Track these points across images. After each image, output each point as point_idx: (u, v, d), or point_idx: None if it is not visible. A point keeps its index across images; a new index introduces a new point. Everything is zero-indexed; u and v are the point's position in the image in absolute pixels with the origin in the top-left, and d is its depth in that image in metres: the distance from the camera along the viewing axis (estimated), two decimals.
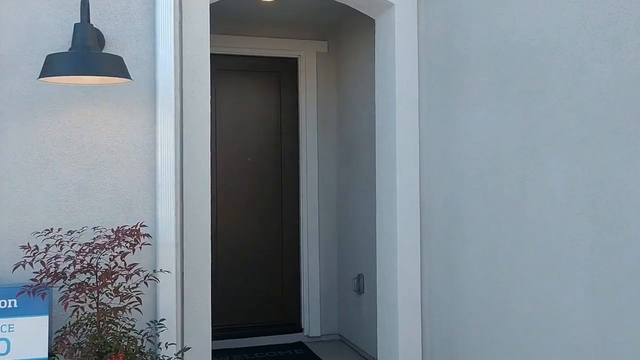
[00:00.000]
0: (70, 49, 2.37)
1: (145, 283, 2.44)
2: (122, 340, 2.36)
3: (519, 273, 2.74)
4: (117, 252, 2.40)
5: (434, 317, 3.43)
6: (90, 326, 2.38)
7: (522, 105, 2.72)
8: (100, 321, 2.35)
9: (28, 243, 2.43)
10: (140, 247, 2.45)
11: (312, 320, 5.60)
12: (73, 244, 2.47)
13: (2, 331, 2.38)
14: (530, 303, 2.68)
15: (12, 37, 2.62)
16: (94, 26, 2.64)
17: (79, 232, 2.58)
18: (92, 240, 2.46)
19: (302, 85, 5.64)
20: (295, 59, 5.70)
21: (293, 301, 5.69)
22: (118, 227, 2.50)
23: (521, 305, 2.73)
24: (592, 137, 2.36)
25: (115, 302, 2.42)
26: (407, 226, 3.53)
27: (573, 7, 2.44)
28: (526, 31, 2.70)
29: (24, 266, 2.30)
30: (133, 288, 2.40)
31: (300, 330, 5.65)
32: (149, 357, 2.41)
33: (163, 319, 2.63)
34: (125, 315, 2.43)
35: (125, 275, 2.33)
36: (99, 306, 2.36)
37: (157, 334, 2.61)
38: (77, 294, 2.27)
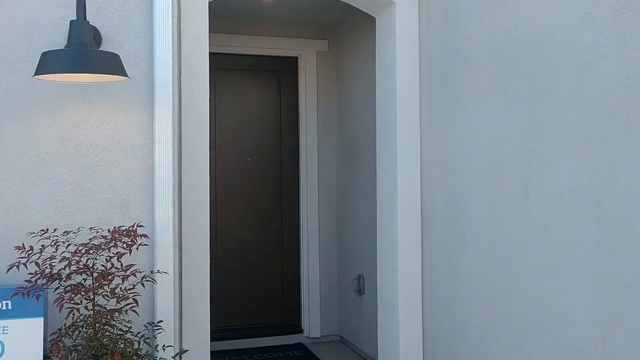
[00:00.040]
0: (66, 46, 2.33)
1: (142, 284, 2.40)
2: (119, 343, 2.32)
3: (521, 273, 2.71)
4: (113, 253, 2.36)
5: (435, 317, 3.39)
6: (86, 328, 2.34)
7: (525, 103, 2.69)
8: (96, 323, 2.31)
9: (23, 244, 2.40)
10: (137, 248, 2.41)
11: (312, 321, 5.56)
12: (69, 245, 2.43)
13: None
14: (532, 303, 2.65)
15: (7, 34, 2.58)
16: (91, 24, 2.61)
17: (75, 233, 2.54)
18: (89, 241, 2.42)
19: (302, 84, 5.61)
20: (296, 58, 5.67)
21: (293, 302, 5.66)
22: (114, 227, 2.46)
23: (523, 306, 2.70)
24: (597, 136, 2.32)
25: (112, 303, 2.38)
26: (408, 226, 3.50)
27: (576, 4, 2.41)
28: (529, 28, 2.66)
29: (17, 267, 2.27)
30: (130, 289, 2.36)
31: (300, 331, 5.62)
32: None
33: (160, 321, 2.59)
34: (121, 317, 2.38)
35: (121, 277, 2.29)
36: (95, 308, 2.32)
37: (154, 336, 2.57)
38: (73, 296, 2.23)
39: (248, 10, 5.08)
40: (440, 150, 3.32)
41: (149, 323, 2.59)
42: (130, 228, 2.39)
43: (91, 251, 2.30)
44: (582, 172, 2.38)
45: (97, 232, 2.56)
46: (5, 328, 2.35)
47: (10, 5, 2.58)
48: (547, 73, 2.57)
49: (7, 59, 2.57)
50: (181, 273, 2.99)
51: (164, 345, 2.56)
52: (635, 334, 2.15)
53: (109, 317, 2.30)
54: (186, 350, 2.70)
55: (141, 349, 2.41)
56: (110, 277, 2.29)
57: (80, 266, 2.31)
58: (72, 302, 2.25)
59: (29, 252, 2.31)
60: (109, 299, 2.36)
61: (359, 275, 5.09)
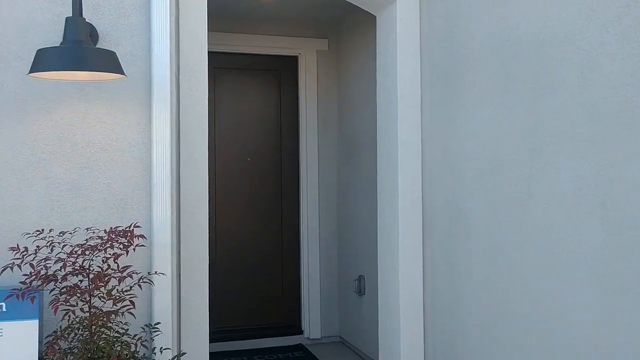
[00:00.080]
0: (61, 44, 2.29)
1: (139, 286, 2.36)
2: (115, 345, 2.28)
3: (524, 274, 2.68)
4: (110, 254, 2.32)
5: (437, 318, 3.36)
6: (82, 330, 2.30)
7: (528, 102, 2.65)
8: (92, 325, 2.27)
9: (17, 244, 2.35)
10: (134, 249, 2.37)
11: (313, 322, 5.53)
12: (64, 246, 2.39)
13: None
14: (534, 305, 2.61)
15: (2, 31, 2.54)
16: (88, 21, 2.57)
17: (70, 233, 2.51)
18: (85, 242, 2.39)
19: (303, 83, 5.59)
20: (296, 57, 5.65)
21: (293, 302, 5.63)
22: (111, 227, 2.42)
23: (525, 307, 2.67)
24: (601, 135, 2.28)
25: (108, 305, 2.34)
26: (409, 226, 3.47)
27: (580, 0, 2.37)
28: (531, 26, 2.63)
29: (12, 269, 2.22)
30: (126, 291, 2.32)
31: (301, 332, 5.59)
32: None
33: (158, 323, 2.55)
34: (118, 319, 2.35)
35: (117, 278, 2.25)
36: (91, 310, 2.28)
37: (151, 338, 2.53)
38: (68, 297, 2.19)
39: (248, 9, 5.05)
40: (442, 150, 3.29)
41: (146, 325, 2.55)
42: (127, 228, 2.35)
43: (87, 252, 2.26)
44: (586, 172, 2.35)
45: (94, 232, 2.52)
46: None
47: (5, 2, 2.54)
48: (550, 71, 2.53)
49: (2, 57, 2.53)
50: (179, 274, 2.95)
51: (161, 348, 2.52)
52: (638, 334, 2.12)
53: (105, 319, 2.26)
54: (184, 353, 2.66)
55: (138, 352, 2.37)
56: (106, 279, 2.25)
57: (76, 267, 2.27)
58: (67, 304, 2.21)
59: (23, 253, 2.27)
60: (105, 300, 2.32)
61: (359, 276, 5.06)
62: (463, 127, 3.10)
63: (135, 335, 2.41)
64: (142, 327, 2.53)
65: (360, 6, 3.78)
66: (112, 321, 2.31)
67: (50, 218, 2.56)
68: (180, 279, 2.95)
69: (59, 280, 2.26)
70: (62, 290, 2.23)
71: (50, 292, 2.31)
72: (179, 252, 2.94)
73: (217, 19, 5.11)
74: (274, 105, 5.63)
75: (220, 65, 5.39)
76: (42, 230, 2.45)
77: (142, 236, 2.43)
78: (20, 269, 2.25)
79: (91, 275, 2.27)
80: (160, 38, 2.68)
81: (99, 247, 2.28)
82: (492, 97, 2.88)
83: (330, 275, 5.60)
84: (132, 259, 2.45)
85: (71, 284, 2.26)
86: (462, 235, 3.12)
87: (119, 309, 2.29)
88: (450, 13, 3.21)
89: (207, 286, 3.02)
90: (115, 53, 2.36)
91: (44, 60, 2.21)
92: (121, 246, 2.31)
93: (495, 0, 2.86)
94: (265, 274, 5.56)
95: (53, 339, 2.27)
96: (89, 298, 2.28)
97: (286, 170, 5.62)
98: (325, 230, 5.59)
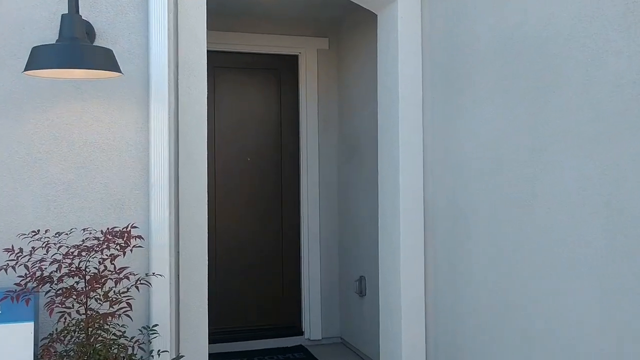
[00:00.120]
0: (57, 41, 2.25)
1: (137, 287, 2.32)
2: (112, 348, 2.24)
3: (527, 275, 2.65)
4: (106, 255, 2.28)
5: (439, 319, 3.33)
6: (78, 333, 2.26)
7: (532, 101, 2.61)
8: (88, 328, 2.23)
9: (12, 246, 2.31)
10: (131, 250, 2.33)
11: (313, 323, 5.49)
12: (60, 247, 2.35)
13: None
14: (537, 305, 2.58)
15: None
16: (85, 19, 2.54)
17: (67, 234, 2.47)
18: (81, 242, 2.35)
19: (303, 82, 5.55)
20: (296, 56, 5.61)
21: (293, 303, 5.59)
22: (107, 228, 2.38)
23: (530, 309, 2.64)
24: (606, 134, 2.25)
25: (105, 307, 2.30)
26: (411, 226, 3.43)
27: None
28: (535, 24, 2.59)
29: (6, 270, 2.18)
30: (123, 293, 2.28)
31: (301, 333, 5.55)
32: None
33: (156, 325, 2.51)
34: (115, 321, 2.31)
35: (114, 280, 2.21)
36: (88, 312, 2.24)
37: (149, 340, 2.49)
38: (64, 299, 2.15)
39: (248, 7, 5.02)
40: (444, 150, 3.26)
41: (143, 327, 2.51)
42: (124, 229, 2.31)
43: (83, 253, 2.22)
44: (591, 172, 2.31)
45: (90, 233, 2.48)
46: None
47: None
48: (554, 69, 2.49)
49: None
50: (178, 275, 2.91)
51: (159, 350, 2.48)
52: None
53: (101, 321, 2.22)
54: (182, 356, 2.63)
55: (135, 355, 2.33)
56: (103, 280, 2.21)
57: (72, 269, 2.23)
58: (63, 306, 2.17)
59: (18, 255, 2.23)
60: (102, 302, 2.28)
61: (360, 277, 5.02)
62: (465, 127, 3.06)
63: (132, 338, 2.37)
64: (139, 330, 2.49)
65: (361, 4, 3.74)
66: (108, 323, 2.27)
67: (46, 218, 2.52)
68: (179, 279, 2.91)
69: (55, 282, 2.22)
70: (58, 292, 2.20)
71: (46, 294, 2.27)
72: (177, 253, 2.91)
73: (217, 18, 5.07)
74: (274, 104, 5.59)
75: (220, 64, 5.36)
76: (38, 231, 2.41)
77: (140, 237, 2.39)
78: (15, 271, 2.21)
79: (87, 277, 2.23)
80: (158, 36, 2.65)
81: (95, 248, 2.24)
82: (495, 96, 2.84)
83: (330, 275, 5.56)
84: (129, 260, 2.41)
85: (67, 286, 2.22)
86: (465, 235, 3.08)
87: (116, 311, 2.25)
88: (452, 11, 3.18)
89: (207, 287, 2.99)
90: (112, 51, 2.32)
91: (39, 58, 2.17)
92: (118, 247, 2.28)
93: None
94: (265, 274, 5.53)
95: (49, 342, 2.24)
96: (85, 300, 2.24)
97: (286, 170, 5.59)
98: (325, 230, 5.56)
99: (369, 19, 4.65)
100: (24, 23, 2.53)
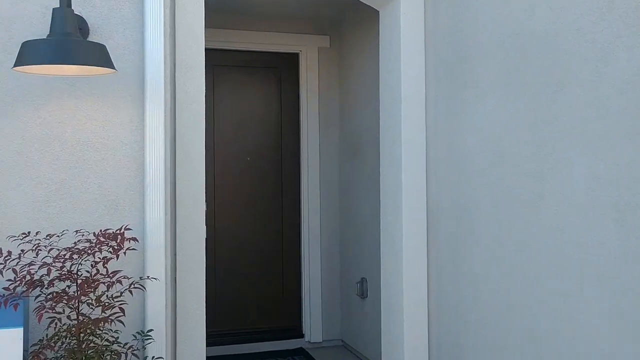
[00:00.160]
0: (48, 36, 2.17)
1: (130, 292, 2.24)
2: (105, 355, 2.16)
3: (534, 277, 2.58)
4: (99, 258, 2.20)
5: (442, 322, 3.26)
6: (69, 339, 2.18)
7: (538, 97, 2.54)
8: (80, 333, 2.15)
9: (0, 249, 2.23)
10: (125, 253, 2.25)
11: (314, 325, 5.42)
12: (51, 249, 2.27)
13: None
14: (546, 307, 2.52)
15: None
16: (78, 13, 2.47)
17: (58, 236, 2.39)
18: (73, 245, 2.27)
19: (304, 81, 5.49)
20: (297, 54, 5.54)
21: (294, 305, 5.52)
22: (100, 230, 2.30)
23: (536, 309, 2.58)
24: (616, 132, 2.17)
25: (97, 312, 2.22)
26: (413, 226, 3.37)
27: None
28: (543, 18, 2.51)
29: None
30: (116, 297, 2.20)
31: (301, 335, 5.48)
32: None
33: (151, 330, 2.43)
34: (108, 326, 2.23)
35: (107, 284, 2.13)
36: (79, 317, 2.16)
37: (143, 346, 2.41)
38: (54, 304, 2.07)
39: (248, 4, 4.95)
40: (447, 148, 3.18)
41: (138, 332, 2.43)
42: (117, 231, 2.23)
43: (75, 256, 2.14)
44: (601, 171, 2.23)
45: (83, 235, 2.41)
46: None
47: None
48: (563, 65, 2.41)
49: None
50: (175, 277, 2.84)
51: (154, 357, 2.40)
52: None
53: (93, 327, 2.14)
54: None
55: None
56: (95, 284, 2.13)
57: (63, 272, 2.15)
58: (53, 311, 2.09)
59: (6, 258, 2.15)
60: (94, 307, 2.20)
61: (361, 279, 4.95)
62: (471, 124, 2.99)
63: (125, 344, 2.29)
64: (133, 335, 2.42)
65: (362, 1, 3.66)
66: (101, 329, 2.19)
67: (37, 220, 2.45)
68: (176, 282, 2.83)
69: (46, 286, 2.14)
70: (48, 297, 2.11)
71: (36, 298, 2.19)
72: (174, 255, 2.83)
73: (216, 15, 5.01)
74: (274, 103, 5.53)
75: (220, 62, 5.29)
76: (29, 232, 2.34)
77: (134, 239, 2.31)
78: (2, 275, 2.13)
79: (79, 281, 2.15)
80: (154, 31, 2.57)
81: (87, 251, 2.16)
82: (501, 93, 2.77)
83: (331, 276, 5.49)
84: (123, 263, 2.34)
85: (58, 290, 2.14)
86: (470, 236, 3.02)
87: (108, 317, 2.17)
88: (457, 6, 3.10)
89: (204, 290, 2.92)
90: (105, 46, 2.24)
91: (29, 54, 2.09)
92: (111, 250, 2.20)
93: None
94: (265, 275, 5.46)
95: (39, 348, 2.16)
96: (77, 304, 2.16)
97: (287, 170, 5.52)
98: (326, 230, 5.49)
99: (371, 16, 4.58)
100: (15, 18, 2.45)
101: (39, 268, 2.14)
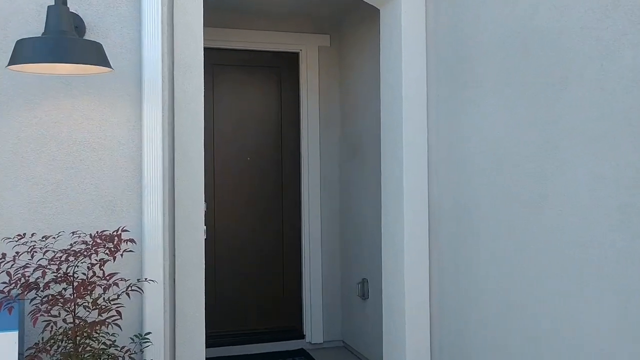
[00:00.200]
0: (42, 34, 2.13)
1: (127, 294, 2.20)
2: (102, 358, 2.12)
3: (535, 278, 2.56)
4: (96, 260, 2.16)
5: (444, 323, 3.23)
6: (65, 342, 2.14)
7: (541, 96, 2.50)
8: (76, 337, 2.11)
9: None
10: (122, 255, 2.21)
11: (315, 326, 5.38)
12: (46, 251, 2.23)
13: None
14: (546, 307, 2.48)
15: None
16: (74, 11, 2.43)
17: (54, 238, 2.35)
18: (69, 247, 2.23)
19: (304, 80, 5.45)
20: (297, 54, 5.51)
21: (294, 305, 5.49)
22: (97, 232, 2.26)
23: (537, 313, 2.54)
24: (622, 132, 2.14)
25: (94, 315, 2.19)
26: (415, 228, 3.34)
27: None
28: (546, 16, 2.47)
29: None
30: (113, 300, 2.16)
31: (302, 336, 5.45)
32: None
33: (148, 333, 2.39)
34: (105, 329, 2.19)
35: (103, 286, 2.09)
36: (75, 320, 2.12)
37: (141, 350, 2.37)
38: (49, 307, 2.03)
39: (247, 3, 4.92)
40: (449, 149, 3.15)
41: (135, 335, 2.39)
42: (114, 233, 2.19)
43: (70, 258, 2.10)
44: (605, 172, 2.20)
45: (79, 236, 2.37)
46: None
47: None
48: (566, 63, 2.38)
49: None
50: (174, 279, 2.80)
51: None
52: None
53: (89, 330, 2.10)
54: None
55: None
56: (91, 287, 2.09)
57: (59, 274, 2.11)
58: (49, 314, 2.05)
59: (0, 260, 2.11)
60: (90, 310, 2.16)
61: (362, 279, 4.92)
62: (472, 124, 2.96)
63: (123, 347, 2.26)
64: (131, 338, 2.38)
65: None
66: (97, 332, 2.15)
67: (33, 221, 2.41)
68: (175, 283, 2.80)
69: (41, 289, 2.11)
70: (44, 300, 2.08)
71: (31, 301, 2.16)
72: (173, 256, 2.79)
73: (216, 14, 4.97)
74: (274, 102, 5.49)
75: (219, 62, 5.26)
76: (24, 234, 2.30)
77: (132, 240, 2.27)
78: None
79: (75, 283, 2.11)
80: (152, 30, 2.54)
81: (83, 253, 2.12)
82: (504, 92, 2.74)
83: (332, 277, 5.46)
84: (121, 265, 2.30)
85: (54, 293, 2.10)
86: (473, 238, 2.98)
87: (105, 320, 2.13)
88: (458, 5, 3.07)
89: (203, 291, 2.89)
90: (101, 44, 2.20)
91: (23, 52, 2.06)
92: (108, 251, 2.16)
93: None
94: (265, 275, 5.43)
95: (34, 352, 2.12)
96: (73, 307, 2.12)
97: (287, 169, 5.49)
98: (327, 230, 5.45)
99: (372, 15, 4.55)
100: (11, 16, 2.42)
101: (33, 271, 2.10)
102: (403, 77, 3.33)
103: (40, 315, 2.02)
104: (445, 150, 3.18)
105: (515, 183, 2.65)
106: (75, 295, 2.08)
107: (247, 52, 5.40)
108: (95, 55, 2.14)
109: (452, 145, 3.12)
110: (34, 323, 1.99)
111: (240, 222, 5.38)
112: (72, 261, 2.11)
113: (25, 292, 2.09)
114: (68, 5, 2.21)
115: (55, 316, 2.11)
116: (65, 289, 2.15)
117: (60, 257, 2.13)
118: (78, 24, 2.44)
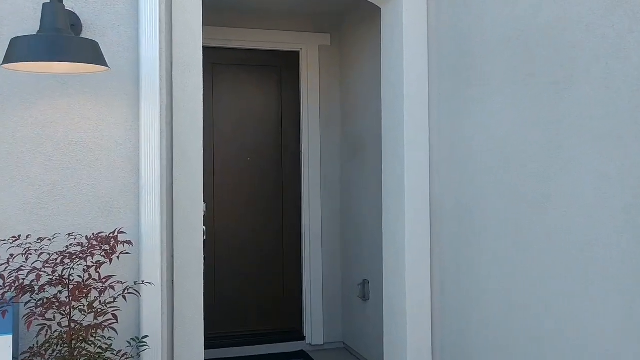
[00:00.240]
0: (37, 32, 2.09)
1: (124, 297, 2.17)
2: None
3: (538, 278, 2.53)
4: (92, 263, 2.12)
5: (446, 325, 3.20)
6: (61, 346, 2.11)
7: (546, 96, 2.47)
8: (72, 340, 2.07)
9: None
10: (118, 257, 2.17)
11: (315, 328, 5.35)
12: (41, 253, 2.19)
13: None
14: (549, 307, 2.46)
15: None
16: (71, 9, 2.39)
17: (50, 240, 2.31)
18: (65, 249, 2.19)
19: (304, 79, 5.42)
20: (297, 53, 5.48)
21: (294, 307, 5.45)
22: (93, 233, 2.22)
23: (540, 313, 2.52)
24: (627, 131, 2.10)
25: (90, 319, 2.15)
26: (416, 228, 3.31)
27: None
28: (551, 14, 2.44)
29: None
30: (110, 303, 2.12)
31: (302, 338, 5.41)
32: None
33: (146, 336, 2.36)
34: (101, 333, 2.15)
35: (99, 289, 2.05)
36: (71, 324, 2.08)
37: (138, 353, 2.34)
38: (44, 311, 1.99)
39: (247, 2, 4.89)
40: (451, 148, 3.12)
41: (132, 339, 2.35)
42: (110, 234, 2.16)
43: (66, 260, 2.06)
44: (611, 172, 2.16)
45: (75, 238, 2.33)
46: None
47: None
48: (571, 61, 2.34)
49: None
50: (173, 281, 2.76)
51: None
52: None
53: (85, 334, 2.06)
54: None
55: None
56: (87, 290, 2.06)
57: (54, 277, 2.07)
58: (43, 318, 2.01)
59: None
60: (86, 313, 2.12)
61: (363, 280, 4.88)
62: (475, 123, 2.93)
63: (119, 351, 2.22)
64: (128, 342, 2.34)
65: None
66: (93, 336, 2.11)
67: (29, 222, 2.37)
68: (173, 285, 2.76)
69: (36, 292, 2.07)
70: (39, 303, 2.04)
71: (26, 304, 2.12)
72: (172, 258, 2.76)
73: (215, 13, 4.94)
74: (274, 102, 5.46)
75: (219, 61, 5.22)
76: (19, 236, 2.26)
77: (129, 242, 2.23)
78: None
79: (71, 286, 2.07)
80: (149, 28, 2.50)
81: (79, 255, 2.09)
82: (507, 91, 2.70)
83: (333, 278, 5.42)
84: (117, 267, 2.27)
85: (49, 296, 2.06)
86: (475, 238, 2.96)
87: (101, 323, 2.09)
88: (460, 2, 3.04)
89: (202, 294, 2.85)
90: (97, 43, 2.17)
91: (18, 50, 2.02)
92: (104, 253, 2.12)
93: None
94: (265, 275, 5.40)
95: (29, 356, 2.09)
96: (68, 311, 2.08)
97: (287, 169, 5.46)
98: (327, 230, 5.42)
99: (373, 13, 4.52)
100: (6, 14, 2.38)
101: (28, 273, 2.06)
102: (404, 75, 3.30)
103: (35, 318, 1.98)
104: (447, 148, 3.15)
105: (519, 183, 2.62)
106: (70, 298, 2.04)
107: (247, 51, 5.36)
108: (92, 53, 2.10)
109: (454, 143, 3.09)
110: (29, 327, 1.95)
111: (240, 222, 5.35)
112: (67, 264, 2.07)
113: (20, 295, 2.06)
114: (64, 3, 2.17)
115: (50, 319, 2.07)
116: (60, 292, 2.11)
117: (56, 259, 2.09)
118: (74, 22, 2.40)
